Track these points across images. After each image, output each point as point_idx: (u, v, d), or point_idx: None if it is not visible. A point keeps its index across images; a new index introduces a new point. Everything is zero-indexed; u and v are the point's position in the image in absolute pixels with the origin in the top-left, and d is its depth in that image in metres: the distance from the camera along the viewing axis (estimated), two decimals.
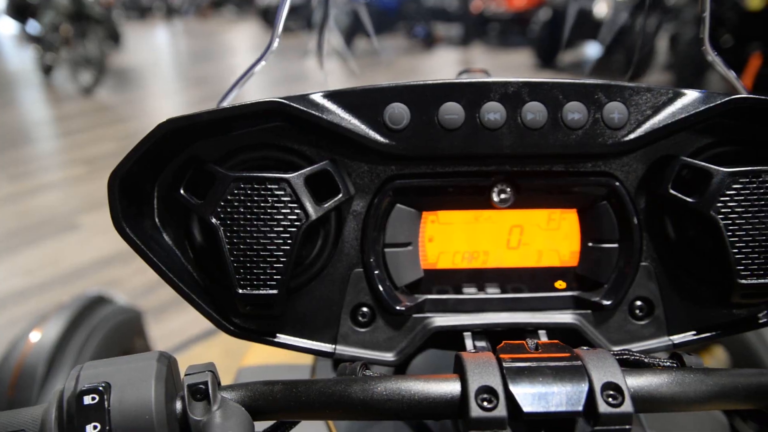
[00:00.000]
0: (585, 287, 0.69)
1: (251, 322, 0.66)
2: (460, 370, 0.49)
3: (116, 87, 8.50)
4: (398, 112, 0.61)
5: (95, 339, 1.63)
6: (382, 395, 0.49)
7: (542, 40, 7.86)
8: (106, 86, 8.20)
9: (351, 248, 0.66)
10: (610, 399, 0.46)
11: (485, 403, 0.46)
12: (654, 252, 0.67)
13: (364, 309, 0.67)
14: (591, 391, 0.47)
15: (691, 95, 0.62)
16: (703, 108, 0.61)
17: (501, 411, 0.46)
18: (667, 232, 0.67)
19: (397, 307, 0.66)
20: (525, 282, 0.69)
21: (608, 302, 0.66)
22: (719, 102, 0.61)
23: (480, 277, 0.69)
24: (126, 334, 1.83)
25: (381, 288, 0.66)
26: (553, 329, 0.66)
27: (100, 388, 0.45)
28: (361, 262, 0.66)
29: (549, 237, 0.68)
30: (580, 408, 0.46)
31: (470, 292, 0.68)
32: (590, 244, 0.68)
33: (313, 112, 0.60)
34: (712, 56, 0.72)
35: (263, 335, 0.66)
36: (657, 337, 0.68)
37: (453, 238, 0.68)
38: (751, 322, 0.67)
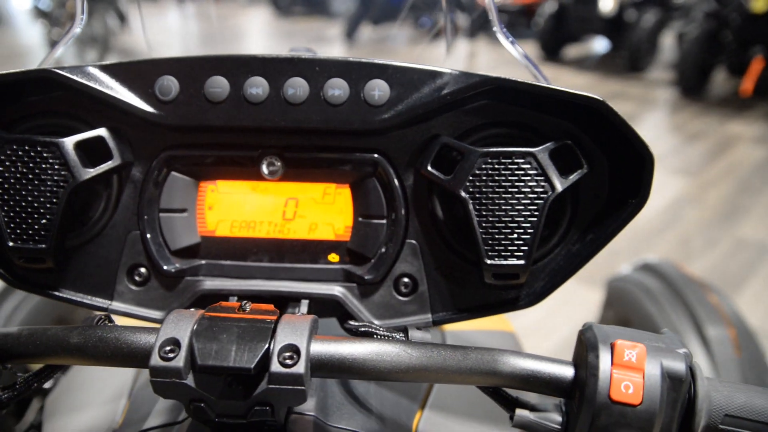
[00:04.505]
0: (355, 261, 0.71)
1: (31, 275, 0.70)
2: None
3: None
4: (167, 84, 0.64)
5: (30, 302, 1.67)
6: (91, 342, 0.52)
7: (547, 33, 7.80)
8: None
9: (129, 212, 0.69)
10: (286, 360, 0.49)
11: (169, 354, 0.49)
12: (421, 230, 0.69)
13: (142, 269, 0.70)
14: (267, 351, 0.49)
15: (451, 75, 0.63)
16: (458, 87, 0.63)
17: (178, 362, 0.49)
18: (435, 211, 0.69)
19: (166, 267, 0.69)
20: (299, 253, 0.71)
21: (371, 276, 0.68)
22: (473, 82, 0.62)
23: (256, 245, 0.71)
24: None
25: (154, 250, 0.69)
26: (316, 299, 0.69)
27: None
28: (138, 225, 0.69)
29: (324, 211, 0.70)
30: (251, 365, 0.48)
31: (244, 259, 0.71)
32: (361, 219, 0.70)
33: (85, 82, 0.63)
34: (505, 41, 0.73)
35: (42, 287, 0.70)
36: (419, 314, 0.70)
37: (232, 207, 0.71)
38: (509, 304, 0.69)
